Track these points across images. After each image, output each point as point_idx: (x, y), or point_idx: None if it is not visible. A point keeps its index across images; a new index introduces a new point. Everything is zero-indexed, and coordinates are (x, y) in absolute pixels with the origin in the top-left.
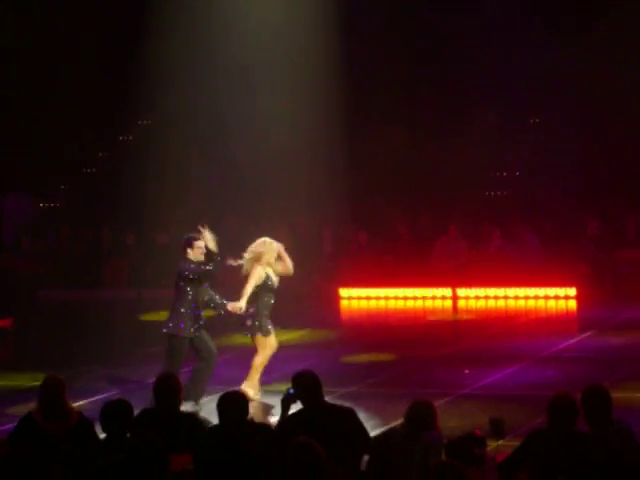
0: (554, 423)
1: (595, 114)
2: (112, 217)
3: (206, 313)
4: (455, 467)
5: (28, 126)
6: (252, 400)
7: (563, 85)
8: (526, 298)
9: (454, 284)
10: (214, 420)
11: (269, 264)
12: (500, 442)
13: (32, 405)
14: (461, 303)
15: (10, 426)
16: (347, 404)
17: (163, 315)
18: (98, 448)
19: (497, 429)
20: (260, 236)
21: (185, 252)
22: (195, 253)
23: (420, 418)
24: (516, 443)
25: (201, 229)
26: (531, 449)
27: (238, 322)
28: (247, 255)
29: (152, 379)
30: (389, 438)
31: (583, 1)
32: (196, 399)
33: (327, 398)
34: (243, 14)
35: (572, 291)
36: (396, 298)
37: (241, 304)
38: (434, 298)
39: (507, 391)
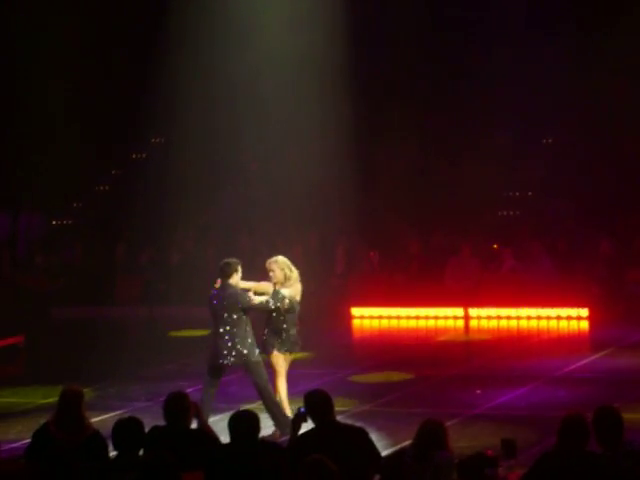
0: (565, 443)
1: (608, 134)
2: (125, 234)
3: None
4: None
5: (41, 143)
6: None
7: (576, 104)
8: (538, 318)
9: (466, 304)
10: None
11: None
12: (511, 462)
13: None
14: (473, 323)
15: (21, 443)
16: (358, 423)
17: (174, 333)
18: (107, 463)
19: (508, 449)
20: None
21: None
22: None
23: (431, 438)
24: (528, 464)
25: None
26: (542, 471)
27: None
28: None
29: (163, 397)
30: (400, 458)
31: (595, 19)
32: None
33: (338, 417)
34: (257, 31)
35: (584, 312)
36: (408, 318)
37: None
38: (446, 318)
39: (519, 411)
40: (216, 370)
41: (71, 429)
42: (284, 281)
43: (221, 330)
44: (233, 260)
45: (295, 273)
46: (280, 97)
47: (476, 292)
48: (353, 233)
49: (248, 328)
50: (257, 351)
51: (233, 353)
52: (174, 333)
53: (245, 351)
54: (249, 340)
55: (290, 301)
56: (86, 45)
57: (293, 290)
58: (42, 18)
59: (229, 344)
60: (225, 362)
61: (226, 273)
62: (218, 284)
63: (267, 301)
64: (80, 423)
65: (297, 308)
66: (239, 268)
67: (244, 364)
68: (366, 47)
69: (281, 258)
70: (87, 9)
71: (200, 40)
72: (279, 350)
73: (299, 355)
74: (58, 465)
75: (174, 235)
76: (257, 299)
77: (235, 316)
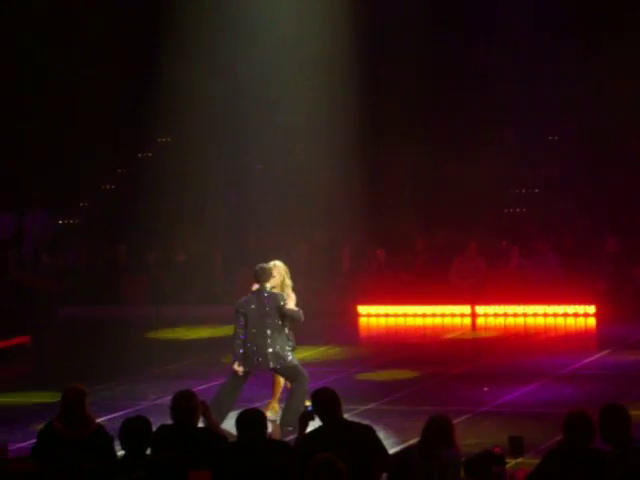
0: (570, 441)
1: (613, 131)
2: (131, 234)
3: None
4: None
5: (47, 143)
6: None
7: (580, 102)
8: (545, 315)
9: (473, 301)
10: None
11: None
12: (519, 460)
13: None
14: (480, 320)
15: (28, 443)
16: (366, 421)
17: (181, 332)
18: (114, 462)
19: (516, 447)
20: (279, 256)
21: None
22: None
23: (438, 434)
24: (535, 461)
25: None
26: (549, 468)
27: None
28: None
29: (170, 396)
30: (407, 456)
31: (599, 17)
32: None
33: (346, 415)
34: (262, 30)
35: (591, 309)
36: (415, 315)
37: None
38: (453, 315)
39: (526, 409)
40: (245, 373)
41: (75, 425)
42: (280, 287)
43: (260, 333)
44: (267, 265)
45: (291, 282)
46: (286, 96)
47: (483, 289)
48: (359, 231)
49: (286, 331)
50: (293, 355)
51: (272, 356)
52: (180, 332)
53: (284, 354)
54: (288, 344)
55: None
56: (92, 44)
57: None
58: (45, 17)
59: (269, 348)
60: (263, 366)
61: (263, 277)
62: (255, 287)
63: (299, 311)
64: (84, 420)
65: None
66: (274, 273)
67: (280, 367)
68: (372, 46)
69: (280, 263)
70: (92, 7)
71: (207, 40)
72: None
73: (307, 354)
74: (64, 463)
75: (180, 235)
76: (290, 304)
77: (276, 319)
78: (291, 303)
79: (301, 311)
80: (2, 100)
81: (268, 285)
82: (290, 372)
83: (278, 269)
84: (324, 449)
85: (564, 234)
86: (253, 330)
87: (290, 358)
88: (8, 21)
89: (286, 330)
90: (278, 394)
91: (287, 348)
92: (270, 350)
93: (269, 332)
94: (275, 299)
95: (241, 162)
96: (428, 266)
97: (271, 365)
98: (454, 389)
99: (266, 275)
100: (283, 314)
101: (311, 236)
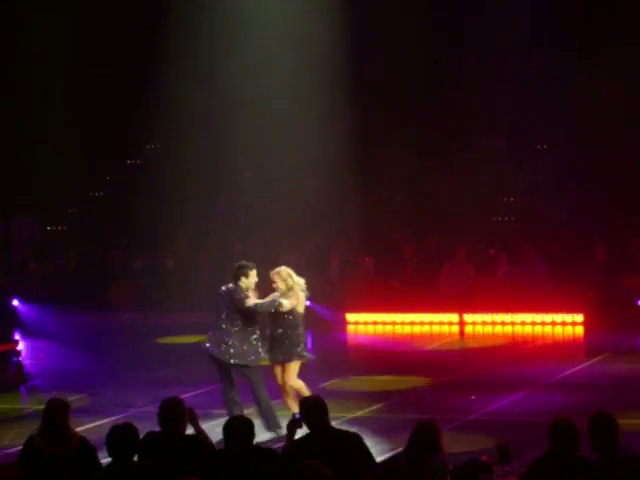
0: (555, 449)
1: (602, 140)
2: (120, 240)
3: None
4: None
5: (35, 149)
6: None
7: (571, 110)
8: (533, 324)
9: (461, 310)
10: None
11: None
12: (506, 468)
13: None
14: (468, 329)
15: (16, 449)
16: (353, 429)
17: (169, 339)
18: (101, 470)
19: (504, 455)
20: (271, 260)
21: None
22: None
23: (425, 439)
24: (522, 470)
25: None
26: (535, 476)
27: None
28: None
29: (158, 403)
30: (394, 463)
31: (591, 26)
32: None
33: (334, 423)
34: (250, 35)
35: (579, 317)
36: (403, 324)
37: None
38: (441, 324)
39: (514, 417)
40: (223, 370)
41: (56, 442)
42: (286, 292)
43: (222, 327)
44: (245, 263)
45: (298, 283)
46: (276, 103)
47: (471, 298)
48: (348, 239)
49: (252, 333)
50: (254, 357)
51: (228, 350)
52: (169, 339)
53: (244, 354)
54: (249, 344)
55: (279, 306)
56: (81, 51)
57: (294, 300)
58: (40, 19)
59: (227, 341)
60: (221, 357)
61: (235, 275)
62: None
63: (258, 305)
64: (65, 435)
65: (298, 319)
66: (249, 272)
67: (236, 365)
68: (362, 52)
69: (283, 268)
70: (84, 13)
71: (196, 46)
72: (268, 357)
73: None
74: (48, 476)
75: (168, 241)
76: (250, 301)
77: (237, 317)
78: (287, 302)
79: (276, 301)
80: None
81: (243, 283)
82: (246, 373)
83: (280, 275)
84: (311, 456)
85: (553, 242)
86: (217, 320)
87: (250, 359)
88: (6, 21)
89: (252, 329)
90: (290, 392)
91: (247, 345)
92: (229, 343)
93: (225, 326)
94: (232, 296)
95: (230, 169)
96: (417, 274)
97: (226, 359)
98: (442, 397)
99: (240, 272)
100: (244, 310)
101: (300, 243)
